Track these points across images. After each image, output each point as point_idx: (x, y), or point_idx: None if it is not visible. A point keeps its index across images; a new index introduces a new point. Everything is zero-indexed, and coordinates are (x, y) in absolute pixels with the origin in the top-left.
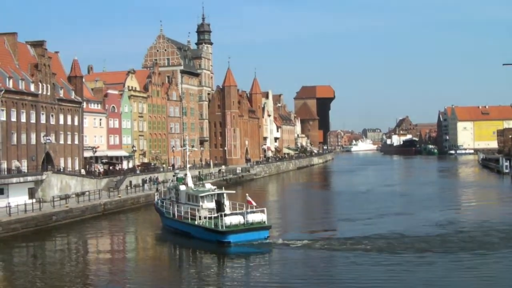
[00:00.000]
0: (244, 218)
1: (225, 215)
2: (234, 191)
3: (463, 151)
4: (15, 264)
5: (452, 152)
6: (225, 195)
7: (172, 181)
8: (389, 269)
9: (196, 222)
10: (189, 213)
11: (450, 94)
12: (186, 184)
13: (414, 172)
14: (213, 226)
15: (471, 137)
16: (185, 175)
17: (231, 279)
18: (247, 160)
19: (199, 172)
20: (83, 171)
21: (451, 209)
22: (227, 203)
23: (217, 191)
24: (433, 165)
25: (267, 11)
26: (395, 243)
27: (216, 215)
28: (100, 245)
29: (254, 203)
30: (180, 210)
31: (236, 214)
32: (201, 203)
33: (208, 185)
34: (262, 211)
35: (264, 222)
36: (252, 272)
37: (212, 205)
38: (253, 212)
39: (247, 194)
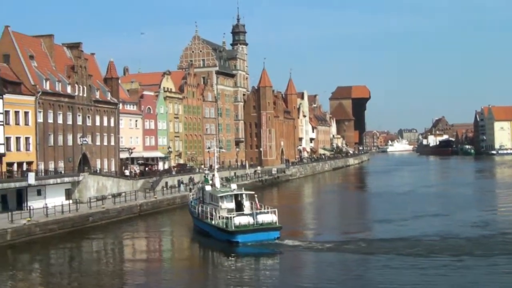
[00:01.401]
0: (253, 218)
1: (239, 215)
2: (253, 192)
3: (505, 151)
4: (52, 265)
5: (494, 152)
6: (244, 195)
7: (201, 182)
8: (422, 273)
9: (213, 222)
10: (208, 213)
11: (487, 94)
12: (213, 185)
13: (451, 172)
14: (224, 226)
15: (508, 137)
16: (213, 175)
17: (239, 281)
18: (286, 161)
19: (235, 173)
20: (127, 172)
21: (489, 211)
22: (246, 203)
23: (235, 192)
24: (470, 166)
25: (302, 11)
26: (429, 245)
27: (229, 215)
28: (135, 246)
29: (258, 205)
30: (203, 210)
31: (245, 214)
32: (220, 203)
33: (233, 186)
34: (273, 212)
35: (275, 222)
36: (257, 274)
37: (232, 205)
38: (264, 212)
39: (255, 196)
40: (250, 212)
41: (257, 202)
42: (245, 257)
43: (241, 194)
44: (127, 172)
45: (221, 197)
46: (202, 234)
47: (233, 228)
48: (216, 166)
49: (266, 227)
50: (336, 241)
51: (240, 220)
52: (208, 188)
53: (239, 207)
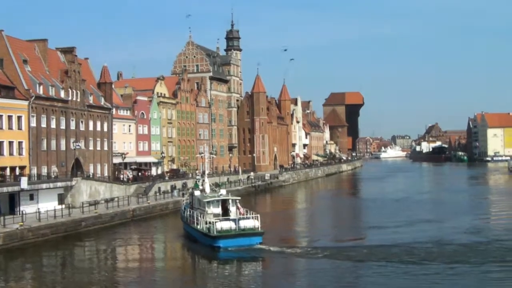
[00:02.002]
0: (236, 224)
1: (222, 220)
2: (239, 198)
3: (500, 158)
4: (45, 270)
5: (489, 159)
6: (230, 201)
7: (192, 187)
8: (414, 280)
9: (198, 227)
10: (195, 218)
11: (480, 101)
12: (202, 190)
13: (444, 179)
14: (207, 231)
15: (501, 144)
16: (203, 181)
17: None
18: (280, 167)
19: (228, 178)
20: (128, 174)
21: (482, 217)
22: (233, 209)
23: (222, 197)
24: (463, 172)
25: (295, 18)
26: (422, 252)
27: (212, 220)
28: (128, 252)
29: (242, 210)
30: (191, 215)
31: (228, 219)
32: (206, 208)
33: (223, 191)
34: (256, 218)
35: (257, 228)
36: (236, 281)
37: (218, 210)
38: (246, 218)
39: (237, 200)
40: (236, 217)
41: (239, 207)
42: (226, 263)
43: (228, 200)
44: (121, 176)
45: (208, 202)
46: (190, 239)
47: (215, 233)
48: (207, 172)
49: (248, 232)
50: (325, 248)
51: (222, 225)
52: (197, 193)
53: (225, 212)
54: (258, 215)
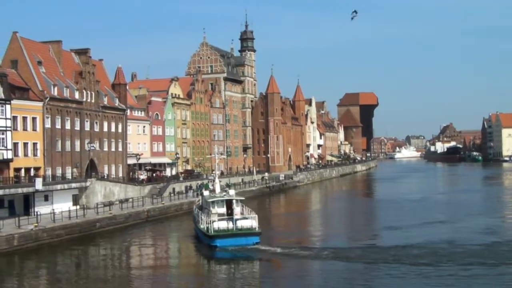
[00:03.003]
0: (233, 223)
1: (220, 219)
2: (243, 198)
3: None
4: (59, 271)
5: (507, 159)
6: (234, 201)
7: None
8: (427, 283)
9: (201, 227)
10: (200, 218)
11: (495, 101)
12: (212, 191)
13: (459, 179)
14: (206, 231)
15: None
16: (214, 181)
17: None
18: (297, 167)
19: (242, 179)
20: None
21: (497, 218)
22: (237, 209)
23: (226, 197)
24: (478, 172)
25: (309, 18)
26: (436, 253)
27: (211, 220)
28: (143, 252)
29: (242, 210)
30: (198, 215)
31: (225, 219)
32: (211, 208)
33: (231, 192)
34: (253, 218)
35: (254, 228)
36: (229, 282)
37: (222, 210)
38: (244, 218)
39: (234, 201)
40: (240, 217)
41: (240, 207)
42: (221, 263)
43: (232, 200)
44: (142, 176)
45: (212, 202)
46: (198, 239)
47: (212, 232)
48: (217, 173)
49: (245, 232)
50: (325, 248)
51: (220, 225)
52: (206, 193)
53: (231, 212)
54: (256, 216)
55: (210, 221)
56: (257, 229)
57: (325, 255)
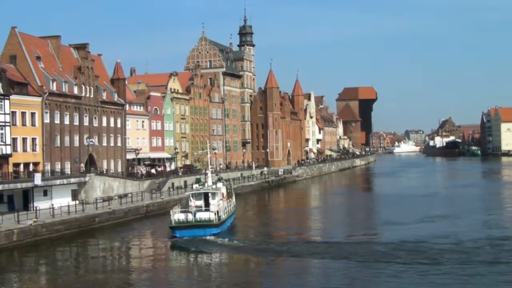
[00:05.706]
0: (193, 215)
1: (183, 211)
2: (217, 191)
3: None
4: (58, 266)
5: (509, 151)
6: (210, 194)
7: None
8: (422, 282)
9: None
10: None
11: (494, 95)
12: (203, 184)
13: (458, 174)
14: (169, 222)
15: None
16: (206, 176)
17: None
18: (298, 162)
19: (241, 174)
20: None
21: (497, 214)
22: (213, 201)
23: (202, 190)
24: (477, 167)
25: (308, 13)
26: (434, 251)
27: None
28: (142, 247)
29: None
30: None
31: (185, 211)
32: (189, 201)
33: (219, 185)
34: (221, 210)
35: (212, 220)
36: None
37: (200, 202)
38: (204, 210)
39: (210, 194)
40: (216, 209)
41: (217, 200)
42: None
43: (208, 193)
44: (143, 170)
45: (191, 195)
46: None
47: (173, 224)
48: (210, 167)
49: (202, 223)
50: (294, 243)
51: (180, 216)
52: (195, 187)
53: (207, 204)
54: (232, 207)
55: (172, 213)
56: (215, 221)
57: (286, 250)
